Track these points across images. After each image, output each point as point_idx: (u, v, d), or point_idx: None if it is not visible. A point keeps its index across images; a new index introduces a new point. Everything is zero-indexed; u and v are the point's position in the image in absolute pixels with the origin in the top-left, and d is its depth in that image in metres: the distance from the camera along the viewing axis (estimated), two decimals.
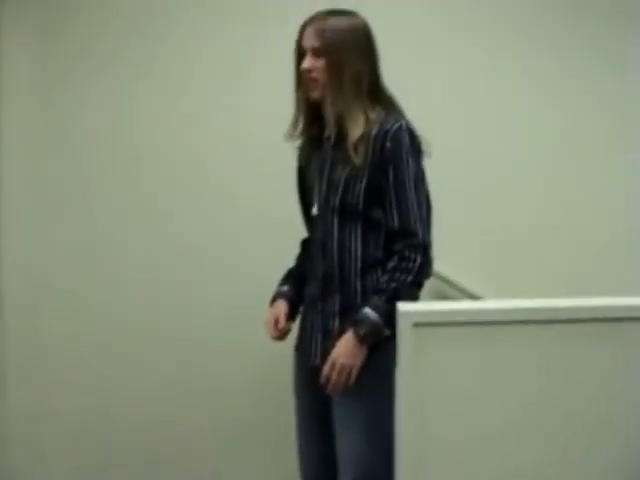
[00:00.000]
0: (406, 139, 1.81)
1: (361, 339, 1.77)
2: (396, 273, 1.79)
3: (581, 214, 2.64)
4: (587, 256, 2.62)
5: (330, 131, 1.90)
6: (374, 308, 1.77)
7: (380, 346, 1.80)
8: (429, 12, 2.59)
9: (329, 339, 1.85)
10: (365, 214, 1.84)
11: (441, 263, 2.51)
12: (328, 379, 1.80)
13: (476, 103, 2.60)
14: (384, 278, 1.79)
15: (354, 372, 1.79)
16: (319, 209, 1.91)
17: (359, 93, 1.86)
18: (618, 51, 2.62)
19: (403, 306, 1.48)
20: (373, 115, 1.85)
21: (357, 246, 1.84)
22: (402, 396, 1.47)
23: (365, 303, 1.79)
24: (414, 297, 1.83)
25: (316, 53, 1.86)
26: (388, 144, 1.80)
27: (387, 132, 1.81)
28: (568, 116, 2.63)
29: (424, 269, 1.82)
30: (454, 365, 1.47)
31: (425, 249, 1.82)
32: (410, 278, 1.79)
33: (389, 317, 1.68)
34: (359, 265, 1.85)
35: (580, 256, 2.62)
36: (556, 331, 1.53)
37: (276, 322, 1.95)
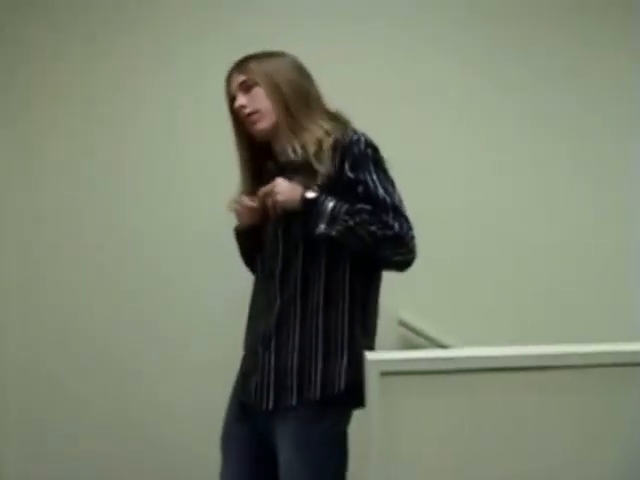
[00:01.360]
0: (369, 151, 1.70)
1: (308, 201, 1.66)
2: (369, 216, 1.63)
3: (549, 265, 2.67)
4: (555, 306, 2.65)
5: (293, 155, 1.75)
6: (336, 204, 1.64)
7: (331, 410, 1.71)
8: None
9: (285, 379, 1.70)
10: (328, 249, 1.70)
11: (409, 312, 2.55)
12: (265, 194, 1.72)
13: (458, 158, 2.64)
14: (361, 207, 1.64)
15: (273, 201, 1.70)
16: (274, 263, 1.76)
17: (309, 107, 1.76)
18: (616, 114, 2.69)
19: (370, 355, 1.48)
20: (329, 127, 1.73)
21: (320, 278, 1.71)
22: (370, 445, 1.46)
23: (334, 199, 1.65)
24: (361, 241, 1.64)
25: (244, 87, 1.78)
26: (348, 162, 1.68)
27: (346, 147, 1.69)
28: (543, 173, 2.68)
29: (393, 241, 1.63)
30: (422, 413, 1.47)
31: (403, 239, 1.64)
32: (379, 232, 1.61)
33: (332, 221, 1.63)
34: (321, 299, 1.71)
35: (548, 306, 2.64)
36: (524, 379, 1.53)
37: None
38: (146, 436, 2.55)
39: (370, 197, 1.65)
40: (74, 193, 2.55)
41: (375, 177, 1.67)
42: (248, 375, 1.78)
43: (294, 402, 1.68)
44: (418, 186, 2.57)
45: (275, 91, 1.76)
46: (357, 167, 1.68)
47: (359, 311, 1.74)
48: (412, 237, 1.66)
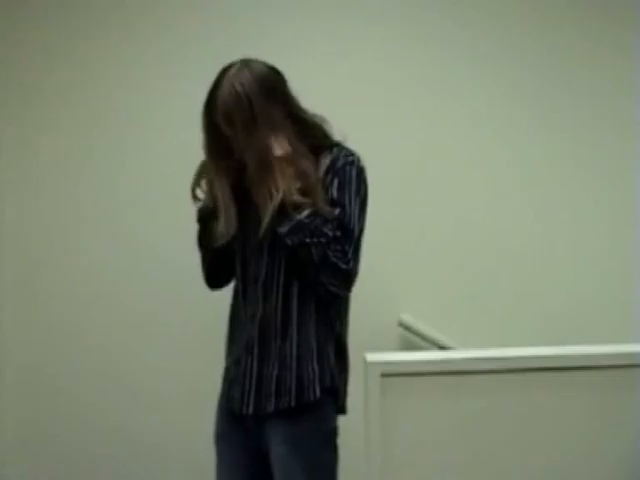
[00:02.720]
0: (357, 175, 1.74)
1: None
2: (332, 241, 1.68)
3: (549, 267, 2.66)
4: (555, 307, 2.64)
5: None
6: (309, 215, 1.66)
7: (309, 415, 1.75)
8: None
9: (266, 386, 1.75)
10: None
11: (409, 314, 2.55)
12: None
13: (459, 157, 2.63)
14: (330, 230, 1.68)
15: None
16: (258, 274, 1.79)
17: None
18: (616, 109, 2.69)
19: (370, 356, 1.48)
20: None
21: (295, 291, 1.75)
22: (370, 445, 1.46)
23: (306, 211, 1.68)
24: (310, 259, 1.68)
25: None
26: (337, 181, 1.72)
27: (342, 166, 1.73)
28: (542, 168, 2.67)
29: (341, 273, 1.68)
30: (422, 415, 1.47)
31: (349, 277, 1.70)
32: (332, 259, 1.66)
33: (295, 230, 1.66)
34: (294, 311, 1.76)
35: (547, 307, 2.64)
36: (523, 380, 1.53)
37: None
38: (146, 437, 2.56)
39: (343, 222, 1.70)
40: (74, 193, 2.56)
41: (354, 205, 1.73)
42: (232, 382, 1.83)
43: (272, 408, 1.73)
44: (418, 186, 2.59)
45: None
46: (343, 189, 1.73)
47: (327, 324, 1.79)
48: (355, 275, 1.73)
